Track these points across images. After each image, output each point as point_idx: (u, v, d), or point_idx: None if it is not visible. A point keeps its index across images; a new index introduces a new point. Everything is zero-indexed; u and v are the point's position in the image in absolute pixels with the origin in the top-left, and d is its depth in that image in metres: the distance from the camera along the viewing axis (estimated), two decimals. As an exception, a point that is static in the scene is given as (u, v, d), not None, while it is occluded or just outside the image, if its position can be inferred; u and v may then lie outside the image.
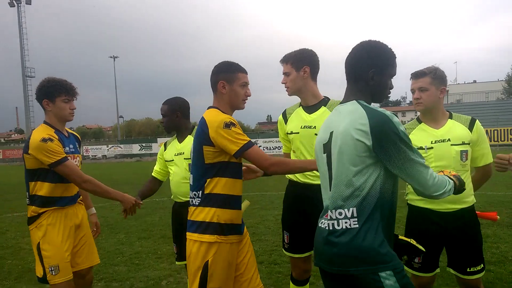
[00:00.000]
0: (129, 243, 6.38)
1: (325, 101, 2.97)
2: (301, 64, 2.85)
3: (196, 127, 3.46)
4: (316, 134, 2.84)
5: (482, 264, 2.73)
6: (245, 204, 3.55)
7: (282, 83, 2.92)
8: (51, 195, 2.85)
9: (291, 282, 3.17)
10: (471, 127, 2.73)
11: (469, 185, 2.72)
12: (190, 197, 2.45)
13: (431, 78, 2.70)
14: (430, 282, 2.87)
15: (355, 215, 1.79)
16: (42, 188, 2.84)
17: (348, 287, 1.83)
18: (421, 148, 2.75)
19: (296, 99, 3.03)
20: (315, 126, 2.88)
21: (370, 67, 1.90)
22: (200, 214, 2.35)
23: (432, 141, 2.74)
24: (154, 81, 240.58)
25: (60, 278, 2.85)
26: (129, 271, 4.96)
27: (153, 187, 3.49)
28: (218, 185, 2.35)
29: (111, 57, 66.08)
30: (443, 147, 2.69)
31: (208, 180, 2.35)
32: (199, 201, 2.37)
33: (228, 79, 2.46)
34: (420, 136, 2.79)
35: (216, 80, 2.49)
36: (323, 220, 1.91)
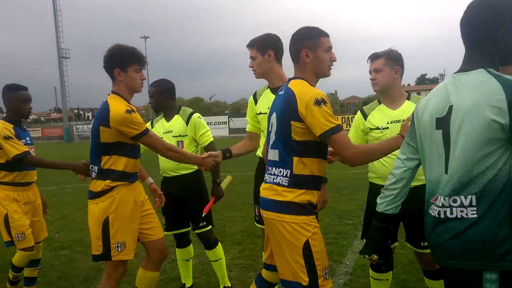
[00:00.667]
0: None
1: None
2: (266, 48, 3.01)
3: (182, 107, 3.78)
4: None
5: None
6: (227, 179, 3.83)
7: (250, 67, 3.10)
8: (126, 169, 2.76)
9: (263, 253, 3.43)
10: None
11: None
12: (269, 173, 2.33)
13: (385, 59, 2.83)
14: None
15: (473, 203, 1.59)
16: (119, 162, 2.73)
17: (450, 280, 1.74)
18: (377, 128, 2.91)
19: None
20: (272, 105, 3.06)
21: (499, 26, 1.63)
22: (290, 194, 2.20)
23: (388, 122, 2.88)
24: (184, 61, 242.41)
25: (124, 256, 2.74)
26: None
27: None
28: (307, 165, 2.20)
29: (142, 37, 67.02)
30: (398, 127, 2.79)
31: (296, 159, 2.20)
32: (287, 182, 2.22)
33: (311, 46, 2.28)
34: (377, 116, 2.94)
35: (298, 50, 2.30)
36: (433, 206, 1.73)
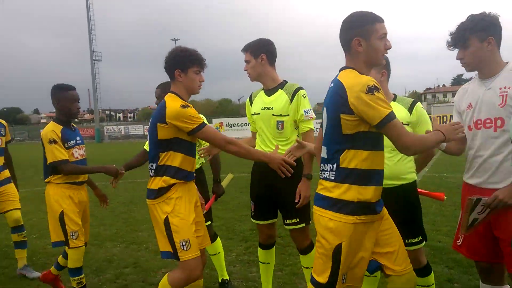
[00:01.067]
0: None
1: (282, 84, 3.26)
2: (259, 53, 3.17)
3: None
4: (274, 115, 3.20)
5: (420, 237, 2.90)
6: (228, 177, 3.98)
7: (244, 70, 3.26)
8: (182, 167, 2.74)
9: (259, 247, 3.57)
10: (411, 109, 2.89)
11: (408, 164, 2.90)
12: (321, 170, 2.27)
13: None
14: None
15: None
16: (175, 159, 2.72)
17: None
18: None
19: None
20: (272, 107, 3.20)
21: None
22: (335, 190, 2.14)
23: None
24: (213, 62, 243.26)
25: (191, 254, 2.69)
26: (149, 236, 5.61)
27: (141, 159, 3.96)
28: (356, 159, 2.11)
29: (172, 39, 68.38)
30: None
31: (345, 152, 2.13)
32: (333, 176, 2.16)
33: (364, 33, 2.14)
34: None
35: (349, 38, 2.17)
36: None
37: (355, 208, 2.11)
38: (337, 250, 2.11)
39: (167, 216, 2.68)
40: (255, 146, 3.38)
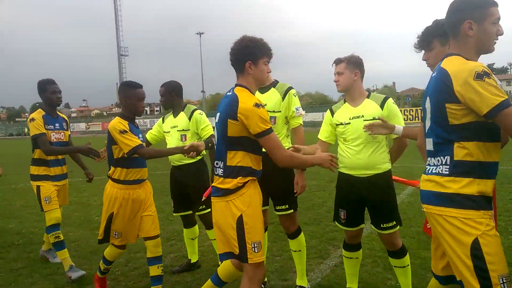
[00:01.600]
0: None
1: (274, 84, 3.55)
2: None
3: (187, 105, 4.29)
4: (268, 111, 3.46)
5: (394, 222, 3.16)
6: None
7: None
8: (253, 166, 2.61)
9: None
10: (382, 105, 3.16)
11: (381, 155, 3.15)
12: (432, 165, 2.10)
13: (346, 64, 3.15)
14: (356, 235, 3.39)
15: None
16: (246, 158, 2.57)
17: None
18: (341, 124, 3.24)
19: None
20: (266, 104, 3.45)
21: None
22: (452, 185, 1.98)
23: (350, 117, 3.20)
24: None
25: (261, 257, 2.55)
26: (163, 224, 5.99)
27: None
28: (472, 151, 1.96)
29: (197, 33, 68.99)
30: (357, 122, 3.15)
31: (456, 145, 1.99)
32: (447, 170, 2.01)
33: (477, 17, 2.00)
34: (342, 113, 3.27)
35: (459, 20, 2.03)
36: None
37: (480, 203, 1.95)
38: (475, 247, 1.91)
39: (241, 215, 2.52)
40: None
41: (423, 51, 2.71)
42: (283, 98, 3.47)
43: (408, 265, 3.26)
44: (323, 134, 3.40)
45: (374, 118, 3.09)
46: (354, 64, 3.16)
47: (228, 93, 2.68)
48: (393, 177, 3.21)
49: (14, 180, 11.19)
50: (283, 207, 3.51)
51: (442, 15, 2.26)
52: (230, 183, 2.56)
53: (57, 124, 4.34)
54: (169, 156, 4.21)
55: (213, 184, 2.69)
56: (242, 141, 2.56)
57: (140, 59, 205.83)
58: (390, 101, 3.19)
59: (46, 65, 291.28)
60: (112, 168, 3.50)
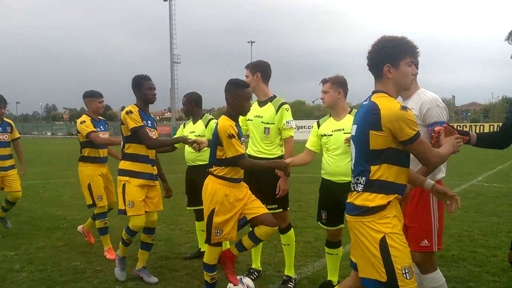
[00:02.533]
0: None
1: (272, 98, 4.09)
2: (255, 71, 4.06)
3: (205, 114, 4.93)
4: (262, 122, 4.05)
5: (276, 205, 3.94)
6: None
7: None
8: (398, 181, 2.36)
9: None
10: None
11: None
12: None
13: (331, 84, 3.65)
14: (336, 234, 3.87)
15: None
16: (390, 172, 2.32)
17: None
18: (325, 135, 3.73)
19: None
20: (262, 116, 4.05)
21: None
22: None
23: (332, 130, 3.70)
24: (289, 63, 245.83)
25: (413, 285, 2.30)
26: (187, 220, 6.69)
27: (169, 150, 4.69)
28: None
29: (248, 42, 70.52)
30: (339, 134, 3.64)
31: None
32: None
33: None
34: (326, 126, 3.77)
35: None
36: None
37: None
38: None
39: (384, 236, 2.29)
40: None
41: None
42: (277, 111, 4.01)
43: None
44: (310, 143, 3.90)
45: None
46: (338, 84, 3.65)
47: (364, 103, 2.46)
48: None
49: (67, 175, 12.45)
50: (273, 206, 4.02)
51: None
52: (372, 201, 2.33)
53: (149, 122, 4.23)
54: (186, 157, 4.89)
55: (349, 201, 2.47)
56: (384, 153, 2.31)
57: (191, 66, 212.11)
58: None
59: (106, 69, 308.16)
60: (215, 166, 3.43)
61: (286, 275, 4.15)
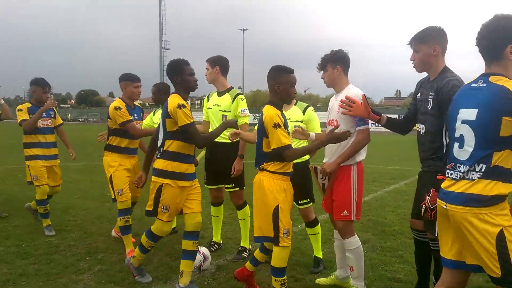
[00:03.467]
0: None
1: (229, 89, 4.51)
2: (214, 64, 4.45)
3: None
4: (220, 110, 4.44)
5: (308, 199, 4.09)
6: (202, 153, 5.24)
7: (205, 75, 4.54)
8: None
9: (211, 205, 4.84)
10: (304, 111, 4.08)
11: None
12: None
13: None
14: (310, 211, 4.23)
15: None
16: (508, 160, 2.25)
17: None
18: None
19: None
20: (220, 105, 4.45)
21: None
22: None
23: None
24: (282, 51, 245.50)
25: None
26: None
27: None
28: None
29: (240, 29, 70.03)
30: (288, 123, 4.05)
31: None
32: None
33: None
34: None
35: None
36: None
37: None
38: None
39: (501, 230, 2.17)
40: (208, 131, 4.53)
41: (322, 71, 3.58)
42: (233, 101, 4.43)
43: (319, 233, 4.22)
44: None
45: (297, 121, 4.02)
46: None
47: (474, 85, 2.34)
48: (310, 166, 4.07)
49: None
50: (231, 185, 4.50)
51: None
52: (491, 190, 2.20)
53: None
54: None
55: (453, 190, 2.31)
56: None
57: (181, 53, 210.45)
58: (310, 109, 4.14)
59: (92, 54, 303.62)
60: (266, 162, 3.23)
61: (242, 246, 4.61)
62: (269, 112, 3.18)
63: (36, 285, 3.78)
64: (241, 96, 4.47)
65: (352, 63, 3.54)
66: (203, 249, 4.14)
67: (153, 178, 3.60)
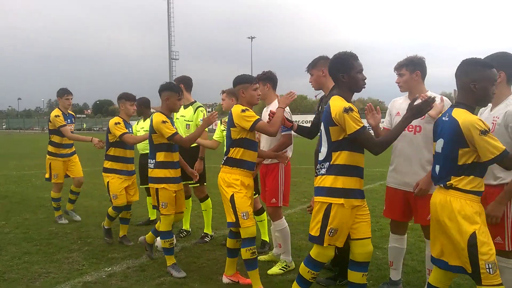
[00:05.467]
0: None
1: (192, 103, 5.51)
2: (179, 83, 5.44)
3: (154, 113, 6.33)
4: (185, 120, 5.46)
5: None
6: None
7: None
8: None
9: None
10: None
11: None
12: None
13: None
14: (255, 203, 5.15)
15: None
16: None
17: None
18: (225, 129, 5.13)
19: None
20: (184, 116, 5.46)
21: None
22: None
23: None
24: (291, 58, 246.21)
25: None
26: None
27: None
28: None
29: (248, 37, 71.55)
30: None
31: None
32: None
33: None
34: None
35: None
36: None
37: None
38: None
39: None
40: None
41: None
42: (194, 112, 5.44)
43: (265, 219, 5.10)
44: (215, 135, 5.30)
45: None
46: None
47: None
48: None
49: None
50: (192, 181, 5.43)
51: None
52: None
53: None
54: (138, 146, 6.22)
55: None
56: None
57: (190, 61, 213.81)
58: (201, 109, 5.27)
59: (107, 65, 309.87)
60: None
61: (204, 232, 5.60)
62: (468, 117, 2.63)
63: (35, 259, 4.82)
64: (201, 108, 5.48)
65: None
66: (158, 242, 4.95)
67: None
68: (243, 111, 3.71)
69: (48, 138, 6.57)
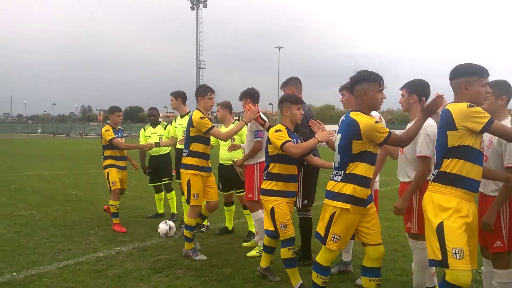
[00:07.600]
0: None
1: (188, 113, 6.39)
2: (177, 96, 6.40)
3: (162, 122, 7.33)
4: (183, 128, 6.38)
5: (242, 189, 5.73)
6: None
7: (170, 104, 6.52)
8: None
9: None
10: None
11: (237, 153, 5.90)
12: None
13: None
14: (228, 197, 6.15)
15: None
16: None
17: None
18: None
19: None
20: (182, 124, 6.37)
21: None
22: None
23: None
24: (318, 67, 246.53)
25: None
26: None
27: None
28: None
29: (276, 47, 72.27)
30: None
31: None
32: None
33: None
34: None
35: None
36: None
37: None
38: None
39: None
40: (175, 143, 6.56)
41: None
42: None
43: (249, 213, 5.87)
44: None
45: None
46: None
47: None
48: (232, 159, 5.71)
49: (87, 167, 15.17)
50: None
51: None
52: None
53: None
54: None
55: None
56: None
57: (217, 70, 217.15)
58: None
59: (138, 72, 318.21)
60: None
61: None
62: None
63: (60, 240, 5.87)
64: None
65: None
66: (169, 222, 6.07)
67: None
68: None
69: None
